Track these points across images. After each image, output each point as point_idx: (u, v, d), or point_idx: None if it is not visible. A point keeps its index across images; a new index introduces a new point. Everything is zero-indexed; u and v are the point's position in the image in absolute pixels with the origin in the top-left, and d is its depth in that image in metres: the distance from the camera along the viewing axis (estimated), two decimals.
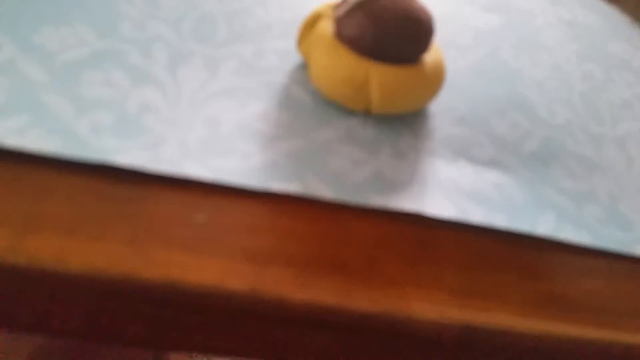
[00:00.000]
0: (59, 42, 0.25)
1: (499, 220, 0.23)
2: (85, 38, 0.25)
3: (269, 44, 0.29)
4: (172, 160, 0.21)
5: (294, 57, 0.29)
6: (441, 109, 0.29)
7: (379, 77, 0.25)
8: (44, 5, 0.26)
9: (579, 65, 0.36)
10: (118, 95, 0.23)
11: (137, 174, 0.21)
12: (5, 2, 0.26)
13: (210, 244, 0.19)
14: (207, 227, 0.20)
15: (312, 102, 0.27)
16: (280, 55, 0.29)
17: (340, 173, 0.23)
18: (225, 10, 0.30)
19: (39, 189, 0.19)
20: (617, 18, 0.44)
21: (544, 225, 0.24)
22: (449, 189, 0.24)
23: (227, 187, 0.21)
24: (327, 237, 0.21)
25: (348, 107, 0.27)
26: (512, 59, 0.34)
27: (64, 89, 0.23)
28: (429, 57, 0.27)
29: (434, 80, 0.27)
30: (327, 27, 0.27)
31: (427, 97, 0.27)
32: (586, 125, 0.31)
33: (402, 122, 0.27)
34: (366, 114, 0.27)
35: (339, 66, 0.25)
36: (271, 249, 0.19)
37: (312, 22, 0.28)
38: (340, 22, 0.26)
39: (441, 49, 0.33)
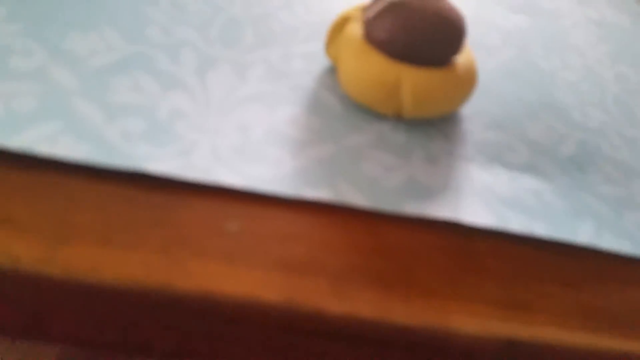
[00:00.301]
0: (87, 47, 0.24)
1: (538, 228, 0.22)
2: (113, 43, 0.25)
3: (296, 47, 0.29)
4: (204, 167, 0.21)
5: (321, 61, 0.28)
6: (473, 112, 0.28)
7: (410, 80, 0.25)
8: (71, 10, 0.26)
9: (611, 66, 0.35)
10: (148, 101, 0.23)
11: (168, 181, 0.20)
12: (33, 8, 0.25)
13: (244, 253, 0.19)
14: (240, 235, 0.19)
15: (342, 107, 0.26)
16: (308, 59, 0.28)
17: (372, 179, 0.23)
18: (251, 14, 0.30)
19: (71, 198, 0.19)
20: None
21: (583, 233, 0.23)
22: (486, 195, 0.23)
23: (259, 194, 0.21)
24: (362, 246, 0.20)
25: (378, 112, 0.26)
26: (542, 60, 0.33)
27: (94, 95, 0.22)
28: (461, 58, 0.26)
29: (467, 83, 0.26)
30: (356, 30, 0.26)
31: (460, 100, 0.26)
32: (622, 128, 0.30)
33: (433, 126, 0.26)
34: (397, 118, 0.26)
35: (370, 70, 0.25)
36: (306, 258, 0.19)
37: (340, 25, 0.27)
38: (370, 25, 0.25)
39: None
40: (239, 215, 0.20)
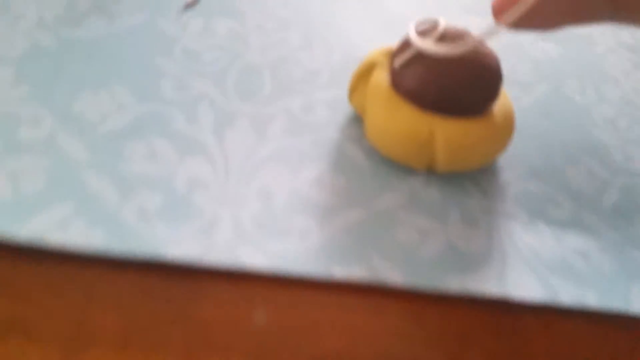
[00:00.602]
0: (98, 109, 0.23)
1: (590, 298, 0.21)
2: (125, 102, 0.24)
3: (317, 94, 0.27)
4: (226, 247, 0.19)
5: (345, 108, 0.27)
6: (510, 159, 0.26)
7: (444, 132, 0.23)
8: (80, 67, 0.25)
9: None
10: (164, 171, 0.21)
11: (190, 266, 0.19)
12: (41, 67, 0.24)
13: (273, 350, 0.17)
14: (268, 329, 0.17)
15: (368, 162, 0.24)
16: (330, 107, 0.27)
17: (408, 248, 0.21)
18: (269, 58, 0.28)
19: (86, 292, 0.17)
20: None
21: (636, 299, 0.21)
22: (531, 261, 0.21)
23: (286, 276, 0.19)
24: (401, 332, 0.18)
25: (408, 166, 0.24)
26: (578, 94, 0.31)
27: (106, 167, 0.21)
28: (497, 105, 0.25)
29: (505, 132, 0.24)
30: (382, 78, 0.24)
31: (497, 151, 0.24)
32: None
33: (468, 179, 0.25)
34: (429, 171, 0.25)
35: (400, 122, 0.23)
36: (340, 352, 0.17)
37: (365, 73, 0.25)
38: (398, 74, 0.24)
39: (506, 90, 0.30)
40: (265, 301, 0.18)
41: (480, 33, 0.21)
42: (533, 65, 0.33)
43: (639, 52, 0.37)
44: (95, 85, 0.24)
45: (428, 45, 0.23)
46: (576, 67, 0.34)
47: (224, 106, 0.25)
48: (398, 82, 0.24)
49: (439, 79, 0.23)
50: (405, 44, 0.24)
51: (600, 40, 0.37)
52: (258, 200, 0.21)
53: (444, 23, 0.24)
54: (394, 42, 0.32)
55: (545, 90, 0.31)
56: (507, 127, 0.24)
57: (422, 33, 0.24)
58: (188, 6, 0.29)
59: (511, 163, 0.26)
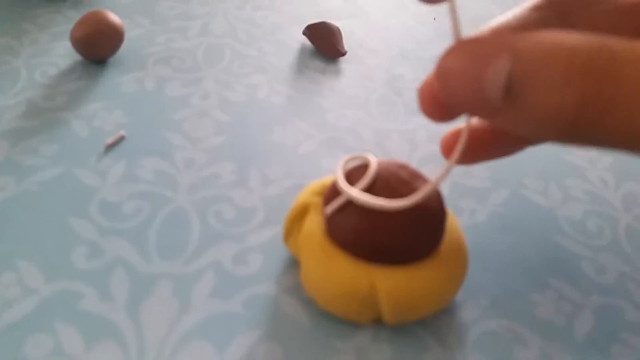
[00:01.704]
0: (0, 296, 0.21)
1: None
2: (31, 283, 0.21)
3: (252, 238, 0.25)
4: None
5: (280, 252, 0.24)
6: (469, 291, 0.24)
7: (387, 284, 0.20)
8: None
9: (618, 187, 0.31)
10: None
11: None
12: None
13: None
14: None
15: (308, 317, 0.22)
16: (265, 252, 0.24)
17: None
18: (198, 200, 0.26)
19: None
20: None
21: None
22: None
23: None
24: None
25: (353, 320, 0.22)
26: (540, 196, 0.29)
27: None
28: (445, 243, 0.22)
29: (456, 273, 0.22)
30: (315, 225, 0.22)
31: (450, 294, 0.22)
32: None
33: (423, 326, 0.22)
34: (377, 323, 0.22)
35: (337, 275, 0.21)
36: None
37: (298, 217, 0.23)
38: (331, 222, 0.21)
39: (455, 210, 0.28)
40: None
41: (435, 179, 0.19)
42: (489, 167, 0.31)
43: None
44: None
45: (359, 194, 0.20)
46: (536, 160, 0.32)
47: (143, 270, 0.22)
48: (332, 231, 0.21)
49: (375, 229, 0.20)
50: (336, 189, 0.22)
51: None
52: None
53: (374, 163, 0.22)
54: (338, 163, 0.30)
55: (503, 198, 0.29)
56: (458, 267, 0.22)
57: (352, 174, 0.22)
58: (110, 146, 0.28)
59: (470, 297, 0.23)
